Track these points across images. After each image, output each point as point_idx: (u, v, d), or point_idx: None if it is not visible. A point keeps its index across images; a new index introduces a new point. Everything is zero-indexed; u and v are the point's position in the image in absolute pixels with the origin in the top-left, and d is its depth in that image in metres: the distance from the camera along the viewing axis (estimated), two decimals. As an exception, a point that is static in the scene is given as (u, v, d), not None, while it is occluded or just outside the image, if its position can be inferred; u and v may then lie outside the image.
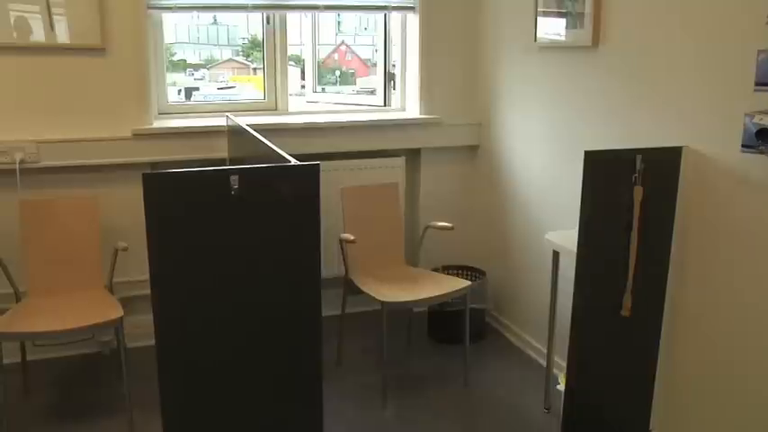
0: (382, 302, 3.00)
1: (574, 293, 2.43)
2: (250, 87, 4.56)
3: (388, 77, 4.13)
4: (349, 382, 3.27)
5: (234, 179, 1.93)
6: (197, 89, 4.52)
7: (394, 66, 4.11)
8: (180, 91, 4.31)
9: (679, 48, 2.48)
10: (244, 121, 3.13)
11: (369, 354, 3.60)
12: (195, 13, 4.02)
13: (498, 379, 3.34)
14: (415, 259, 3.65)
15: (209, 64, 4.70)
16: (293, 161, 2.09)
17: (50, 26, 3.26)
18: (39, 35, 3.25)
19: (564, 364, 2.61)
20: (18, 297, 3.07)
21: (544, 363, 3.15)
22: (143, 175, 1.88)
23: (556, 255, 2.85)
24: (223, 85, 4.73)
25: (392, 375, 3.32)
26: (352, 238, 3.18)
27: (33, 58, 3.27)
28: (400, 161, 3.89)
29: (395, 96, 4.13)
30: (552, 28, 3.19)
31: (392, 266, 3.49)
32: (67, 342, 3.45)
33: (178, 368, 2.03)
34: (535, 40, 3.30)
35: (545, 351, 3.07)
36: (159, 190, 1.89)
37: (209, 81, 4.68)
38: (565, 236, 2.79)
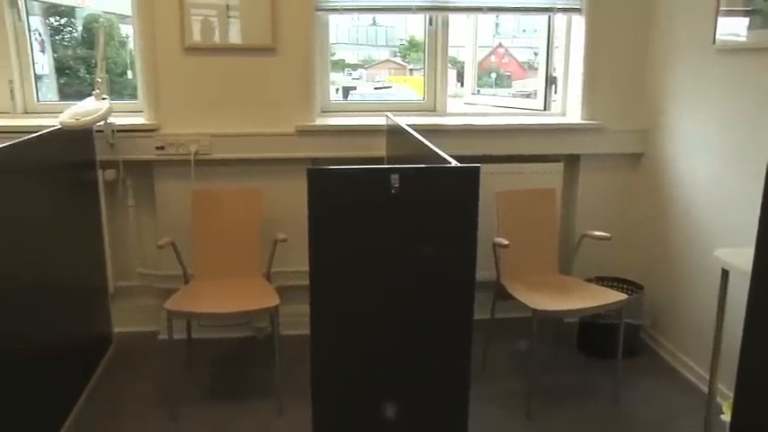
0: (533, 310, 2.93)
1: (746, 317, 2.25)
2: (406, 88, 4.62)
3: (549, 81, 4.02)
4: (493, 387, 3.23)
5: (394, 178, 1.95)
6: (354, 88, 4.64)
7: (555, 69, 4.00)
8: (338, 90, 4.45)
9: None
10: (402, 121, 3.17)
11: (514, 360, 3.53)
12: (356, 15, 4.12)
13: (651, 400, 3.16)
14: (569, 268, 3.53)
15: (366, 64, 4.80)
16: (453, 162, 2.08)
17: (226, 28, 3.47)
18: (215, 37, 3.47)
19: (729, 393, 2.42)
20: (186, 279, 3.30)
21: (704, 387, 2.95)
22: (308, 170, 1.94)
23: (725, 273, 2.65)
24: (380, 84, 4.83)
25: (538, 384, 3.24)
26: (505, 242, 3.13)
27: (210, 57, 3.49)
28: (558, 167, 3.77)
29: (555, 100, 4.02)
30: (733, 28, 2.96)
31: (545, 274, 3.40)
32: (226, 324, 3.66)
33: (330, 359, 2.09)
34: (713, 41, 3.09)
35: (706, 375, 2.87)
36: (323, 185, 1.95)
37: (366, 81, 4.79)
38: (736, 254, 2.58)
